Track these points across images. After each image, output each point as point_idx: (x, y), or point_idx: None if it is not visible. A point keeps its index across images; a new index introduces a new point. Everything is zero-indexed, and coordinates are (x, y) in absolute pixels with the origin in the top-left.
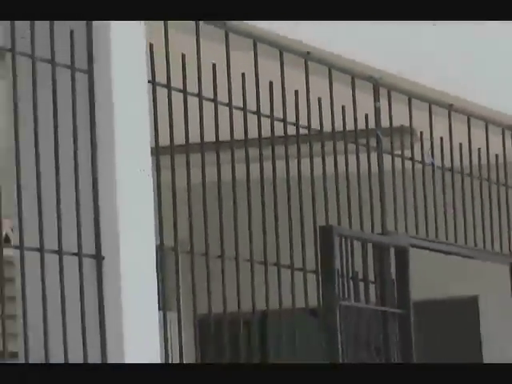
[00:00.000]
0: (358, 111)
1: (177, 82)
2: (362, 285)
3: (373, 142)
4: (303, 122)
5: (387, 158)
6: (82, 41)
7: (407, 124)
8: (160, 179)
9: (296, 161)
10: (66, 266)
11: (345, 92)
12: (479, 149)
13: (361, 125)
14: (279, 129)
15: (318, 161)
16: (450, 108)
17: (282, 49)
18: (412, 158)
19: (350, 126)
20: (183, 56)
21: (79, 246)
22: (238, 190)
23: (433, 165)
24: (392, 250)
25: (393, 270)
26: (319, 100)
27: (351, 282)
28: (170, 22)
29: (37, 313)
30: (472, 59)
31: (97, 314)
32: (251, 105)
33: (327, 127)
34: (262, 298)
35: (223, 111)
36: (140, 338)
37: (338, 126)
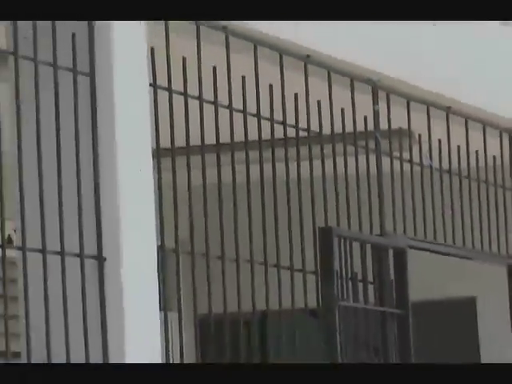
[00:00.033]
0: (356, 114)
1: (178, 84)
2: (360, 285)
3: (371, 144)
4: (303, 124)
5: (386, 160)
6: (84, 44)
7: (406, 126)
8: (161, 181)
9: (295, 163)
10: (67, 267)
11: (344, 95)
12: (477, 151)
13: (360, 127)
14: (279, 131)
15: (317, 163)
16: (448, 110)
17: (282, 52)
18: (410, 160)
19: (349, 129)
20: (184, 59)
21: (81, 247)
22: (238, 192)
23: (431, 167)
24: (391, 251)
25: (391, 270)
26: (318, 102)
27: (350, 283)
28: (170, 26)
29: (39, 313)
30: (469, 62)
31: (98, 315)
32: (251, 107)
33: (326, 129)
34: (262, 299)
35: (223, 114)
36: (141, 338)
37: (338, 129)
